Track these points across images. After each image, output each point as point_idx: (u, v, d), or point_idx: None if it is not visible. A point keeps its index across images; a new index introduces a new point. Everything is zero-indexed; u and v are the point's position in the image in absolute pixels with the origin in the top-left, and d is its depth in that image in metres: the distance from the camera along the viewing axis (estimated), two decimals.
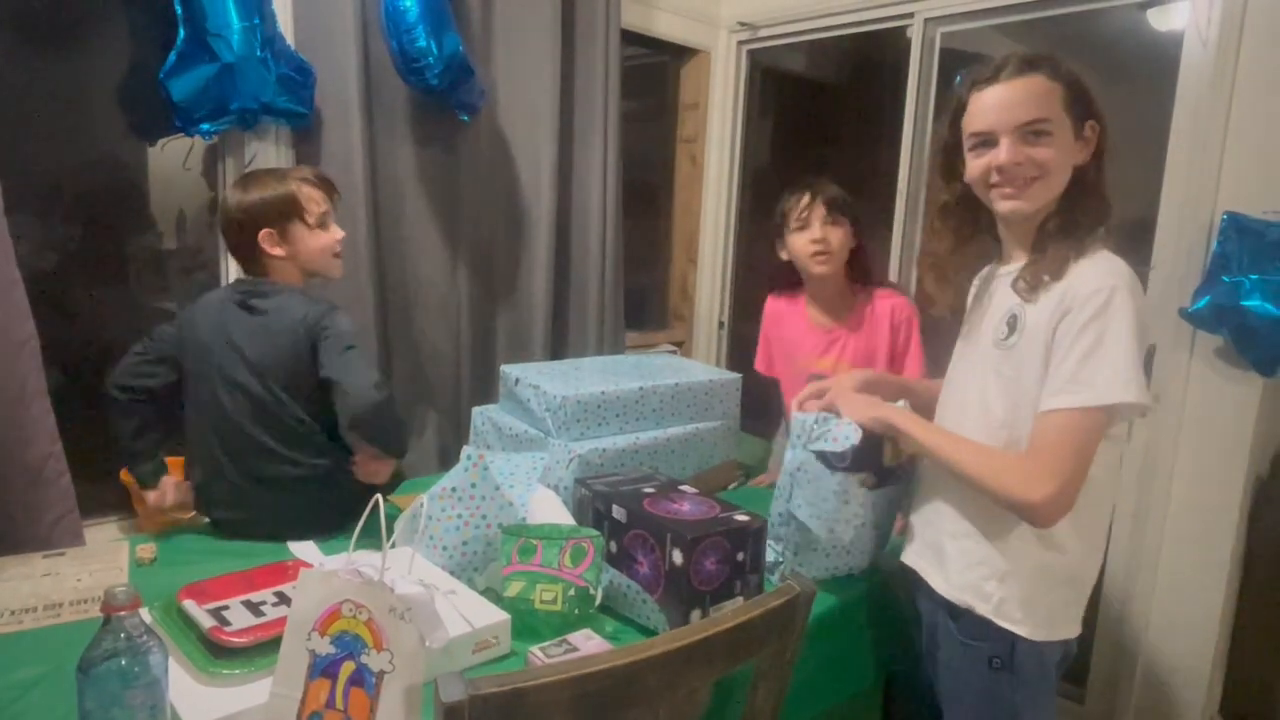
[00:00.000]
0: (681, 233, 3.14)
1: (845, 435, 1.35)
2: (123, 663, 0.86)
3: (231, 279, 1.77)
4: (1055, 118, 1.16)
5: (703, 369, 2.01)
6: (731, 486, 1.95)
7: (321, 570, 0.98)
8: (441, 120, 2.14)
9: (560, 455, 1.62)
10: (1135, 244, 1.92)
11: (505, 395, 1.86)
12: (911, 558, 1.39)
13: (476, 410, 1.92)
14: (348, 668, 0.92)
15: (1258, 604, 1.97)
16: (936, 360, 1.43)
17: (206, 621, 1.10)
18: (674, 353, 3.03)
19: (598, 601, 1.27)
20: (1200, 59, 1.88)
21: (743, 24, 2.89)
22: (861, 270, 1.87)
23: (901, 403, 1.41)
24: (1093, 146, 1.20)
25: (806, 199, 1.80)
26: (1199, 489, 1.94)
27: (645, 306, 3.12)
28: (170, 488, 1.59)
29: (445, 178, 2.20)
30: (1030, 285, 1.20)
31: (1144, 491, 2.01)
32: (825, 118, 3.20)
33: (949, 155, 1.30)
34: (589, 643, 1.15)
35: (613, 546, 1.33)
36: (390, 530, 0.96)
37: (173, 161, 1.98)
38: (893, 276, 2.49)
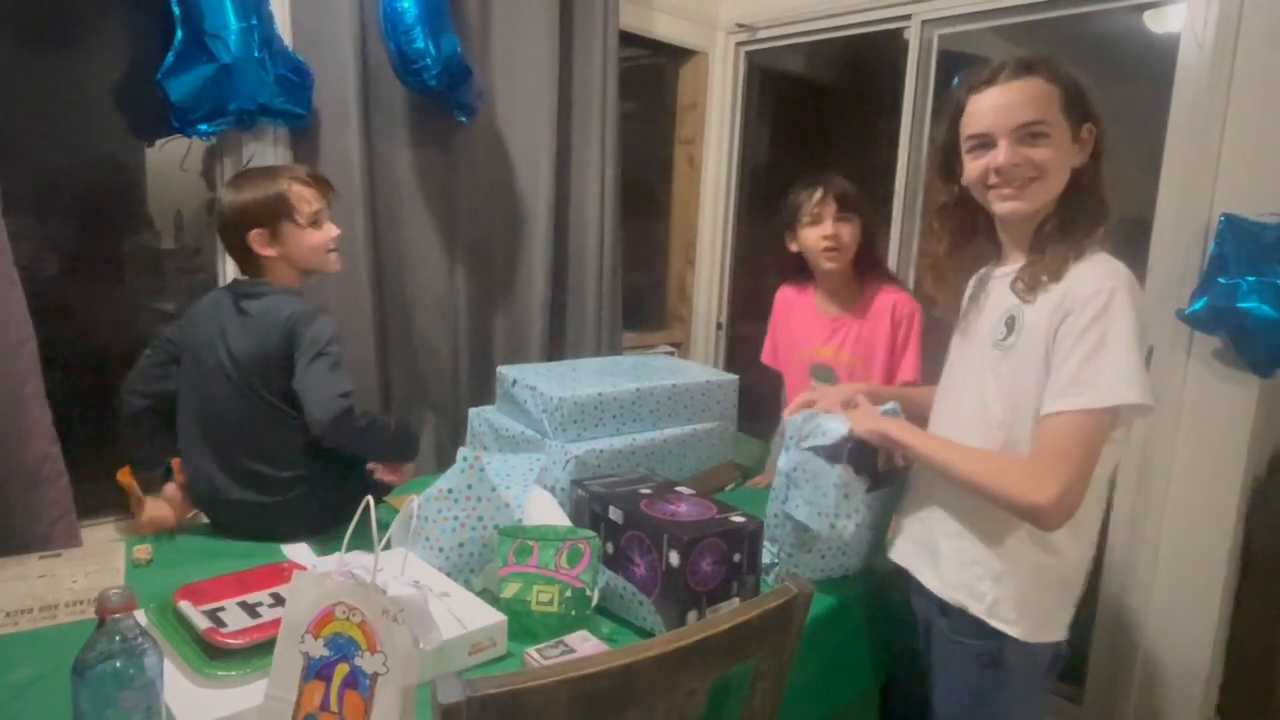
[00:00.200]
0: (679, 233, 3.14)
1: (834, 428, 1.36)
2: (118, 664, 0.85)
3: (230, 279, 1.77)
4: (1053, 120, 1.17)
5: (700, 370, 2.01)
6: (729, 488, 1.95)
7: (315, 573, 0.98)
8: (439, 121, 2.14)
9: (557, 456, 1.62)
10: (1132, 246, 1.92)
11: (502, 396, 1.86)
12: (904, 556, 1.39)
13: (473, 411, 1.92)
14: (342, 670, 0.92)
15: (1255, 604, 1.97)
16: (941, 361, 1.44)
17: (202, 623, 1.09)
18: (671, 354, 3.03)
19: (594, 603, 1.27)
20: (1196, 61, 1.88)
21: (741, 25, 2.89)
22: (869, 263, 1.90)
23: (890, 405, 1.42)
24: (1090, 149, 1.20)
25: (819, 194, 1.83)
26: (1196, 490, 1.95)
27: (643, 307, 3.12)
28: (174, 495, 1.59)
29: (443, 179, 2.20)
30: (1029, 286, 1.20)
31: (1141, 492, 2.01)
32: (823, 119, 3.21)
33: (947, 157, 1.30)
34: (586, 644, 1.15)
35: (609, 548, 1.33)
36: (382, 532, 0.96)
37: (171, 162, 1.98)
38: None
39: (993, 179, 1.20)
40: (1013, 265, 1.26)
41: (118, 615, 0.86)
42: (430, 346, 2.27)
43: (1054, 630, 1.24)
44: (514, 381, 1.79)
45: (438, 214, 2.21)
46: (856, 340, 1.88)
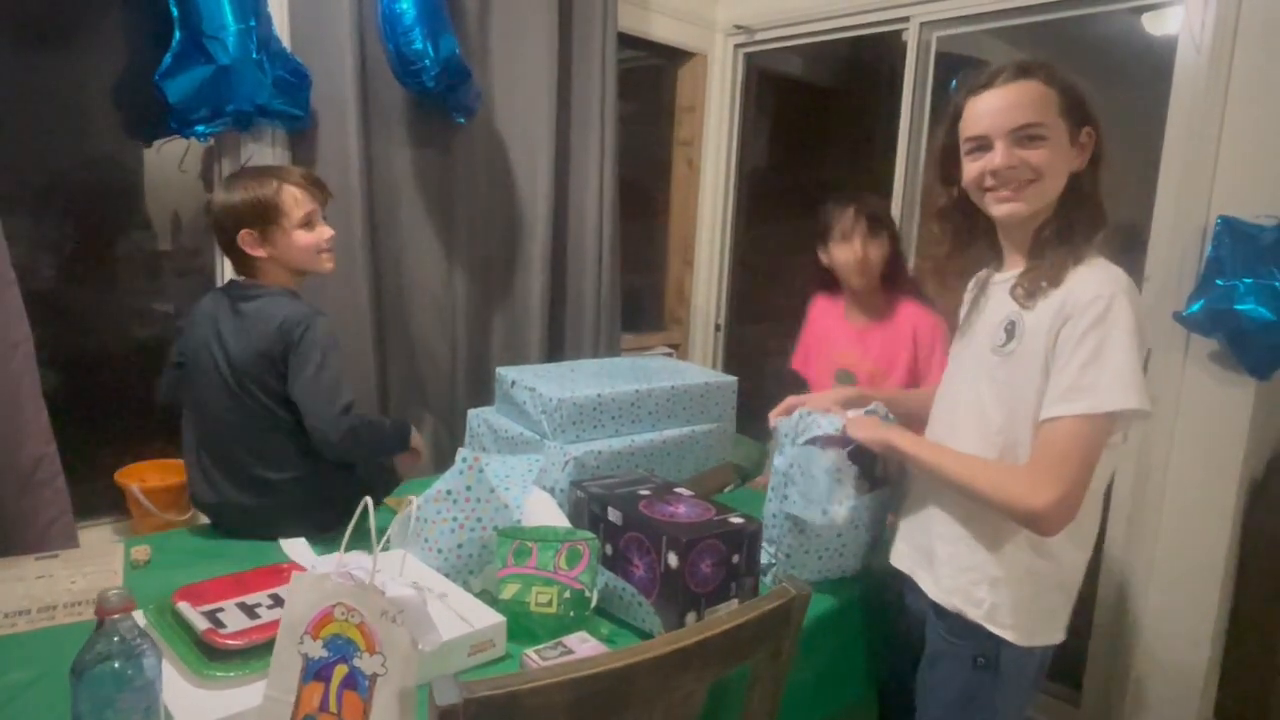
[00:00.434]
0: (678, 235, 3.14)
1: (829, 424, 1.37)
2: (116, 666, 0.85)
3: (227, 280, 1.77)
4: (1050, 123, 1.17)
5: (699, 371, 2.01)
6: (728, 489, 1.95)
7: (313, 574, 0.98)
8: (438, 123, 2.14)
9: (556, 457, 1.62)
10: (1130, 248, 1.93)
11: (501, 397, 1.86)
12: (901, 560, 1.39)
13: (472, 412, 1.92)
14: (340, 671, 0.92)
15: (1252, 606, 1.97)
16: None
17: (201, 624, 1.09)
18: (670, 355, 3.03)
19: (593, 604, 1.27)
20: (1194, 63, 1.89)
21: (739, 27, 2.90)
22: (896, 278, 1.95)
23: (873, 405, 1.43)
24: (1089, 153, 1.20)
25: (851, 213, 1.87)
26: (1193, 492, 1.95)
27: (641, 309, 3.12)
28: None
29: (441, 180, 2.20)
30: (1029, 292, 1.20)
31: (1139, 494, 2.02)
32: (821, 121, 3.21)
33: (947, 160, 1.30)
34: (584, 645, 1.15)
35: (608, 549, 1.33)
36: (381, 533, 0.96)
37: (169, 163, 1.98)
38: None
39: (989, 181, 1.20)
40: (1012, 271, 1.26)
41: (116, 616, 0.86)
42: (429, 348, 2.27)
43: (1050, 634, 1.24)
44: (513, 383, 1.79)
45: (436, 215, 2.21)
46: (880, 348, 1.93)
